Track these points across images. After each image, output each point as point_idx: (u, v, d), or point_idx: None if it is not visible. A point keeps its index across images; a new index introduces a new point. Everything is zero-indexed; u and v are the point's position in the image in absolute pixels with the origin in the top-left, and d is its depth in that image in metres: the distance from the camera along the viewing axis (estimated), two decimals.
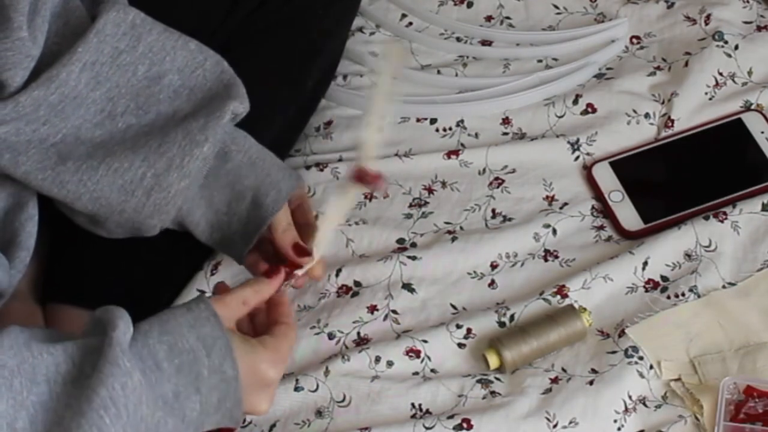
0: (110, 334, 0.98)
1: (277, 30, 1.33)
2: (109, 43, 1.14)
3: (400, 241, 1.30)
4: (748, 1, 1.46)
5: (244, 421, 1.18)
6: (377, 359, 1.21)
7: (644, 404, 1.17)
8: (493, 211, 1.33)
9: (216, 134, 1.14)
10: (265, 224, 1.17)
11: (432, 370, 1.21)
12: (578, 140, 1.37)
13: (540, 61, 1.45)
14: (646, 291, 1.25)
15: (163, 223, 1.15)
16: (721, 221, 1.28)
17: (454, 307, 1.25)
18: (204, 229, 1.18)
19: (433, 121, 1.40)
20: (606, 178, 1.34)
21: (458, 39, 1.48)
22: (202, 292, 1.27)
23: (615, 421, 1.16)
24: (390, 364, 1.21)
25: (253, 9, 1.33)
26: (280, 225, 1.18)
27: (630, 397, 1.17)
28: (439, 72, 1.44)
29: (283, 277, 1.12)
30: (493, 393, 1.18)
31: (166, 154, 1.13)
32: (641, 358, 1.19)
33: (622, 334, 1.21)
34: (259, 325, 1.12)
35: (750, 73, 1.40)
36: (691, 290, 1.24)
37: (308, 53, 1.35)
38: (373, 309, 1.25)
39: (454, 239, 1.29)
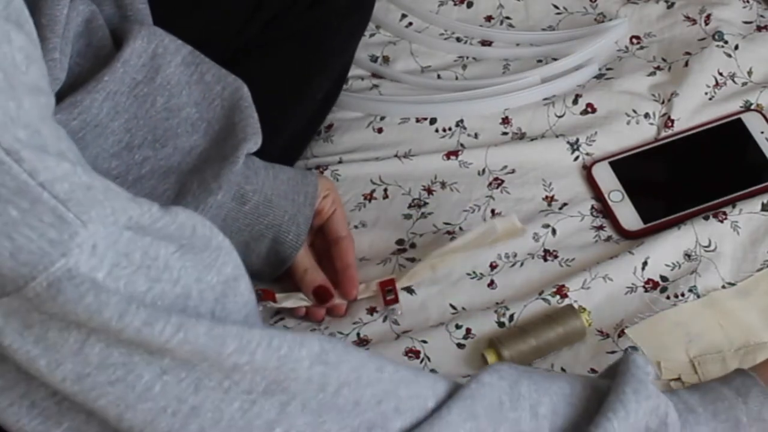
0: (629, 360, 0.99)
1: (293, 41, 1.33)
2: (129, 73, 1.14)
3: (400, 242, 1.30)
4: (748, 1, 1.46)
5: None
6: None
7: None
8: (493, 211, 1.33)
9: (230, 181, 1.15)
10: (289, 262, 1.20)
11: (432, 371, 1.21)
12: (578, 140, 1.37)
13: (540, 61, 1.44)
14: (646, 291, 1.25)
15: None
16: (721, 221, 1.28)
17: (453, 307, 1.25)
18: None
19: (433, 121, 1.40)
20: (606, 178, 1.34)
21: (458, 39, 1.47)
22: None
23: None
24: None
25: (269, 19, 1.33)
26: (300, 266, 1.21)
27: None
28: (439, 77, 1.44)
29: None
30: None
31: (180, 203, 1.13)
32: None
33: (621, 334, 1.21)
34: None
35: (750, 73, 1.40)
36: (690, 290, 1.24)
37: (321, 65, 1.35)
38: (372, 310, 1.25)
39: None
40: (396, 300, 1.22)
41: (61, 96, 1.12)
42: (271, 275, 1.23)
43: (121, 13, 1.19)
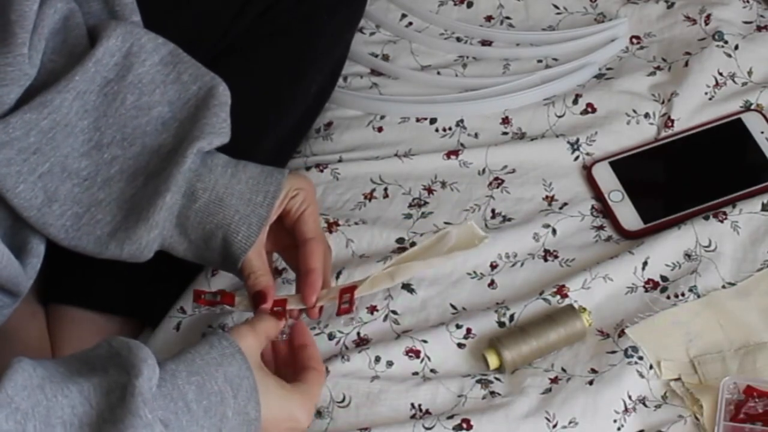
0: (133, 381, 0.97)
1: (283, 35, 1.33)
2: (100, 72, 1.14)
3: (400, 240, 1.30)
4: (748, 1, 1.46)
5: None
6: (377, 359, 1.20)
7: (644, 404, 1.17)
8: (493, 211, 1.33)
9: (177, 182, 1.13)
10: (239, 263, 1.17)
11: (432, 370, 1.21)
12: (578, 140, 1.37)
13: (540, 61, 1.45)
14: (646, 291, 1.25)
15: (146, 258, 1.16)
16: (721, 221, 1.28)
17: (453, 307, 1.25)
18: (193, 259, 1.19)
19: (433, 121, 1.40)
20: (606, 178, 1.34)
21: (458, 39, 1.47)
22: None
23: (615, 421, 1.16)
24: (390, 364, 1.20)
25: (260, 13, 1.33)
26: (246, 269, 1.17)
27: (630, 397, 1.17)
28: (439, 73, 1.44)
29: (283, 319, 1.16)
30: (492, 393, 1.18)
31: (137, 206, 1.14)
32: (641, 358, 1.19)
33: (621, 334, 1.21)
34: (281, 359, 1.15)
35: (750, 73, 1.40)
36: (690, 290, 1.24)
37: (312, 59, 1.35)
38: (372, 309, 1.25)
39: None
40: (350, 310, 1.17)
41: (32, 93, 1.12)
42: (231, 272, 1.19)
43: (108, 9, 1.19)
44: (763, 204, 1.29)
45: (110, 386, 0.98)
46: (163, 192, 1.13)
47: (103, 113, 1.14)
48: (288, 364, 1.16)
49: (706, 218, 1.28)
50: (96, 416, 0.96)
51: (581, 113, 1.39)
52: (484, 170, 1.36)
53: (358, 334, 1.23)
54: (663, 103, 1.39)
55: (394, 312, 1.25)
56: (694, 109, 1.38)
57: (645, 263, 1.26)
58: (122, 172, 1.14)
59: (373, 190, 1.35)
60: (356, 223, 1.32)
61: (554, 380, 1.18)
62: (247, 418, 1.04)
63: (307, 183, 1.21)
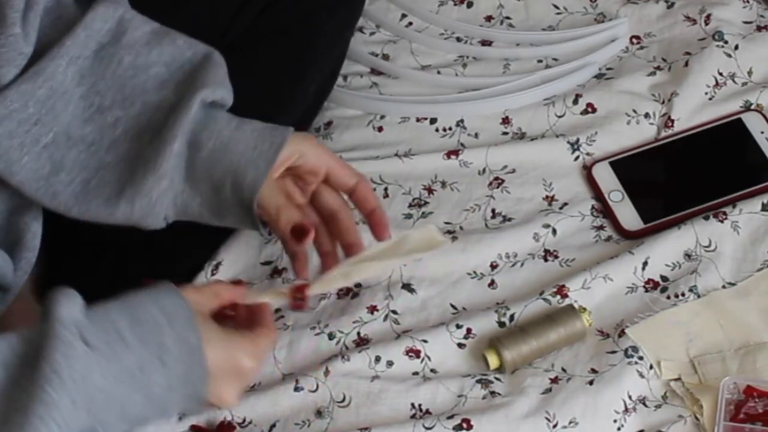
0: (51, 311, 0.98)
1: (282, 34, 1.33)
2: (94, 38, 1.14)
3: None
4: (748, 1, 1.46)
5: (243, 420, 1.18)
6: (377, 359, 1.21)
7: (644, 404, 1.17)
8: (493, 211, 1.33)
9: (183, 130, 1.12)
10: (253, 206, 1.14)
11: (432, 370, 1.21)
12: (578, 140, 1.37)
13: (540, 61, 1.45)
14: (646, 291, 1.25)
15: (161, 221, 1.14)
16: (721, 221, 1.28)
17: (454, 307, 1.25)
18: (209, 217, 1.16)
19: (433, 120, 1.40)
20: (606, 178, 1.34)
21: (458, 39, 1.48)
22: None
23: (615, 421, 1.16)
24: (390, 364, 1.21)
25: (259, 12, 1.33)
26: (272, 205, 1.14)
27: (630, 397, 1.17)
28: (439, 72, 1.44)
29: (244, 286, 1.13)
30: (492, 393, 1.19)
31: (141, 159, 1.12)
32: (641, 358, 1.19)
33: (621, 334, 1.21)
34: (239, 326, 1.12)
35: (750, 73, 1.40)
36: (691, 290, 1.24)
37: (312, 58, 1.35)
38: (373, 309, 1.25)
39: (454, 239, 1.29)
40: (302, 306, 1.14)
41: (27, 66, 1.12)
42: (252, 226, 1.16)
43: None
44: (763, 204, 1.29)
45: (31, 332, 0.98)
46: (170, 141, 1.12)
47: (101, 76, 1.14)
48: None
49: (706, 218, 1.28)
50: (35, 355, 0.96)
51: (581, 113, 1.39)
52: (484, 170, 1.36)
53: (359, 333, 1.23)
54: (663, 103, 1.39)
55: (395, 312, 1.25)
56: (694, 109, 1.38)
57: (645, 263, 1.26)
58: (126, 132, 1.13)
59: (374, 189, 1.35)
60: (356, 223, 1.31)
61: (554, 380, 1.19)
62: (189, 347, 1.02)
63: (309, 140, 1.18)
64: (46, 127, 1.12)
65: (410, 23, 1.49)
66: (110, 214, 1.13)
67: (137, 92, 1.14)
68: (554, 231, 1.30)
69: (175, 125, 1.12)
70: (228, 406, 1.07)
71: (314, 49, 1.35)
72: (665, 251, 1.26)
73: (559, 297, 1.24)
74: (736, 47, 1.41)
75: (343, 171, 1.18)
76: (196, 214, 1.16)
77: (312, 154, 1.17)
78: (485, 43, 1.47)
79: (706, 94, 1.39)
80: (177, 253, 1.29)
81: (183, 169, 1.14)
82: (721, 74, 1.40)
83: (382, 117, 1.41)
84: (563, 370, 1.20)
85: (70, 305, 0.99)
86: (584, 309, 1.22)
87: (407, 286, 1.26)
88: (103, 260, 1.24)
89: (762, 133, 1.35)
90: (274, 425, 1.18)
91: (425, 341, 1.22)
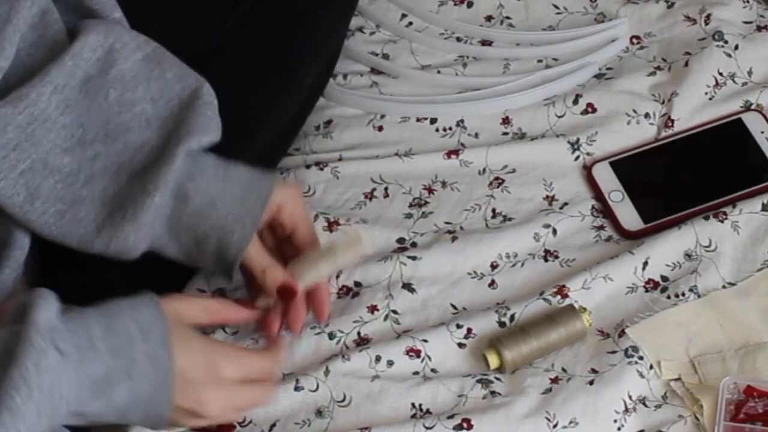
0: (27, 314, 0.98)
1: (276, 28, 1.33)
2: (81, 67, 1.14)
3: (400, 240, 1.30)
4: (748, 1, 1.46)
5: (243, 420, 1.18)
6: (377, 359, 1.21)
7: (644, 404, 1.17)
8: (493, 211, 1.33)
9: (167, 182, 1.13)
10: (236, 264, 1.17)
11: (432, 370, 1.21)
12: (578, 140, 1.37)
13: (540, 61, 1.45)
14: (646, 291, 1.25)
15: (136, 256, 1.16)
16: (721, 221, 1.28)
17: (454, 307, 1.25)
18: (184, 262, 1.19)
19: (433, 120, 1.40)
20: (606, 178, 1.34)
21: (458, 39, 1.48)
22: (202, 291, 1.27)
23: (615, 421, 1.16)
24: (390, 363, 1.21)
25: (253, 5, 1.33)
26: (258, 266, 1.18)
27: (630, 397, 1.17)
28: (439, 72, 1.44)
29: (254, 312, 1.16)
30: (493, 393, 1.19)
31: (122, 204, 1.13)
32: (641, 358, 1.19)
33: (622, 334, 1.21)
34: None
35: (750, 73, 1.40)
36: (691, 290, 1.24)
37: (306, 52, 1.35)
38: (373, 309, 1.25)
39: (454, 239, 1.29)
40: (292, 296, 1.19)
41: (10, 88, 1.11)
42: (227, 278, 1.20)
43: (86, 3, 1.18)
44: (763, 204, 1.29)
45: (4, 332, 0.98)
46: (152, 192, 1.12)
47: (86, 109, 1.13)
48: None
49: (707, 218, 1.28)
50: (4, 358, 0.95)
51: (581, 113, 1.39)
52: (484, 170, 1.36)
53: (359, 333, 1.23)
54: (663, 103, 1.39)
55: (395, 312, 1.25)
56: (694, 109, 1.38)
57: (645, 263, 1.26)
58: (105, 169, 1.14)
59: (374, 189, 1.35)
60: (356, 223, 1.32)
61: (554, 380, 1.19)
62: (160, 366, 1.02)
63: (295, 192, 1.22)
64: (24, 153, 1.11)
65: (410, 23, 1.49)
66: (84, 249, 1.14)
67: (120, 130, 1.14)
68: (554, 231, 1.30)
69: (158, 177, 1.13)
70: (210, 413, 1.07)
71: (309, 42, 1.35)
72: (665, 251, 1.27)
73: (559, 297, 1.24)
74: (736, 47, 1.41)
75: (306, 232, 1.21)
76: (171, 255, 1.18)
77: (287, 212, 1.20)
78: (485, 43, 1.47)
79: (706, 94, 1.39)
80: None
81: (166, 219, 1.15)
82: (721, 74, 1.40)
83: (383, 116, 1.41)
84: (563, 370, 1.20)
85: (47, 308, 0.99)
86: (584, 309, 1.22)
87: (407, 286, 1.26)
88: (101, 260, 1.23)
89: (762, 133, 1.35)
90: (274, 425, 1.18)
91: (425, 341, 1.22)
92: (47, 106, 1.12)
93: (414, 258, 1.28)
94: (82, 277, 1.28)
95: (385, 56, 1.46)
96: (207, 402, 1.06)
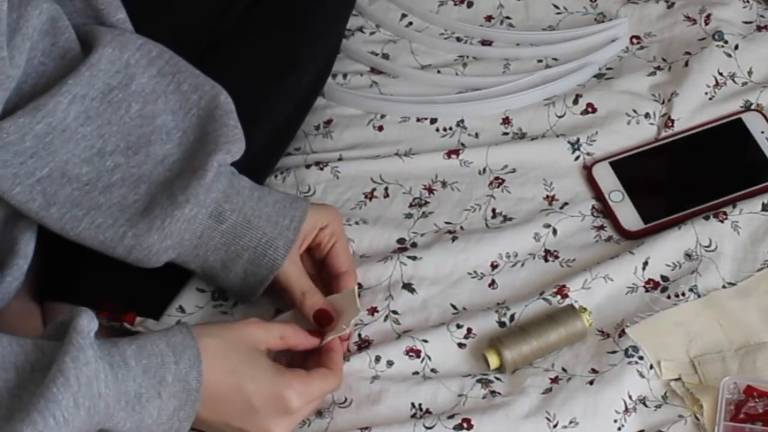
0: (72, 323, 0.99)
1: (273, 26, 1.33)
2: (101, 78, 1.14)
3: (401, 240, 1.30)
4: (748, 1, 1.46)
5: None
6: (377, 359, 1.21)
7: (644, 404, 1.17)
8: (494, 210, 1.33)
9: (198, 195, 1.14)
10: (264, 286, 1.19)
11: (432, 370, 1.21)
12: (578, 140, 1.37)
13: (540, 61, 1.45)
14: (647, 291, 1.25)
15: (157, 265, 1.18)
16: (721, 221, 1.28)
17: (454, 307, 1.25)
18: (202, 277, 1.21)
19: (433, 120, 1.40)
20: (606, 178, 1.34)
21: (458, 39, 1.48)
22: (202, 290, 1.27)
23: (615, 420, 1.16)
24: (390, 363, 1.21)
25: (249, 5, 1.33)
26: (298, 290, 1.20)
27: (630, 397, 1.17)
28: (439, 72, 1.44)
29: (318, 342, 1.17)
30: (493, 393, 1.19)
31: (148, 215, 1.14)
32: (641, 358, 1.19)
33: (622, 333, 1.21)
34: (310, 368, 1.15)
35: (750, 73, 1.40)
36: (691, 290, 1.24)
37: (304, 50, 1.35)
38: (373, 311, 1.25)
39: (454, 239, 1.29)
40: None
41: (25, 97, 1.12)
42: (248, 297, 1.22)
43: (92, 6, 1.18)
44: (763, 204, 1.29)
45: (48, 343, 0.99)
46: (182, 203, 1.14)
47: (107, 120, 1.15)
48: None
49: (707, 218, 1.28)
50: (47, 363, 0.97)
51: (581, 113, 1.39)
52: (484, 170, 1.36)
53: (359, 334, 1.23)
54: (663, 103, 1.39)
55: (395, 312, 1.25)
56: (694, 109, 1.38)
57: (645, 263, 1.26)
58: (124, 180, 1.15)
59: (374, 189, 1.35)
60: (357, 223, 1.32)
61: (555, 380, 1.19)
62: (188, 387, 1.04)
63: (334, 213, 1.24)
64: (42, 161, 1.12)
65: (410, 23, 1.49)
66: (105, 252, 1.16)
67: (142, 142, 1.15)
68: (555, 231, 1.30)
69: (189, 189, 1.14)
70: None
71: (307, 39, 1.35)
72: (665, 251, 1.27)
73: (559, 297, 1.24)
74: (736, 47, 1.41)
75: (343, 253, 1.23)
76: (191, 269, 1.20)
77: (328, 232, 1.23)
78: (485, 43, 1.47)
79: (706, 94, 1.39)
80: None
81: (197, 236, 1.16)
82: (721, 74, 1.40)
83: (383, 116, 1.41)
84: (563, 370, 1.20)
85: (88, 320, 1.01)
86: (584, 309, 1.22)
87: (408, 286, 1.26)
88: (102, 258, 1.23)
89: (762, 133, 1.35)
90: None
91: (425, 341, 1.22)
92: (66, 116, 1.12)
93: (414, 258, 1.28)
94: (81, 276, 1.28)
95: (385, 56, 1.46)
96: (274, 429, 1.10)
